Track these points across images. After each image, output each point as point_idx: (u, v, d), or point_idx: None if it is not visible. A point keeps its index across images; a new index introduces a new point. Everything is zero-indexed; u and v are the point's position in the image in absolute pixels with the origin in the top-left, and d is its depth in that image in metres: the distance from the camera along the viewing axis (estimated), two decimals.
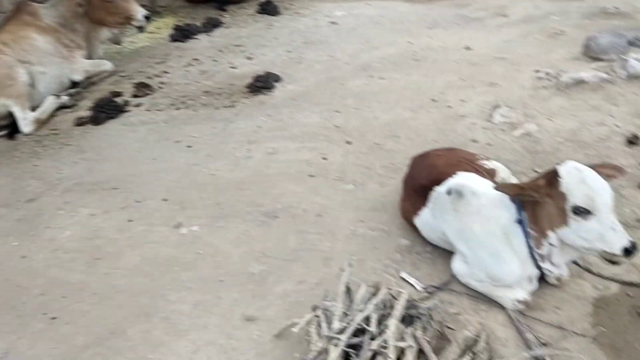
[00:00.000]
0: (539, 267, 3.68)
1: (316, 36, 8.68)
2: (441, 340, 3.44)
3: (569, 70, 6.43)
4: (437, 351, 3.32)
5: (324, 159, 5.61)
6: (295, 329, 3.26)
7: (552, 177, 3.38)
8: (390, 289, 3.44)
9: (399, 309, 3.15)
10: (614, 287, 3.83)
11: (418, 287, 3.97)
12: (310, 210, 4.87)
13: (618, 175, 3.50)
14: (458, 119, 6.12)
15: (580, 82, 6.16)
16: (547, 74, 6.47)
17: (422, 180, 4.20)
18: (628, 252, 3.22)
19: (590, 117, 5.75)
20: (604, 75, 6.14)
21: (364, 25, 8.95)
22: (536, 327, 3.60)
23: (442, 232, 3.92)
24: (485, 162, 4.37)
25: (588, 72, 6.30)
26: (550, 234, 3.48)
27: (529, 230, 3.56)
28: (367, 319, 3.10)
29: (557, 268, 3.70)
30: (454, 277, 3.97)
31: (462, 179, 3.88)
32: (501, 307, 3.74)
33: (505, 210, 3.62)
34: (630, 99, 5.92)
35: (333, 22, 9.17)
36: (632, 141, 5.22)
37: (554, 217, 3.41)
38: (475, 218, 3.68)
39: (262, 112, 6.66)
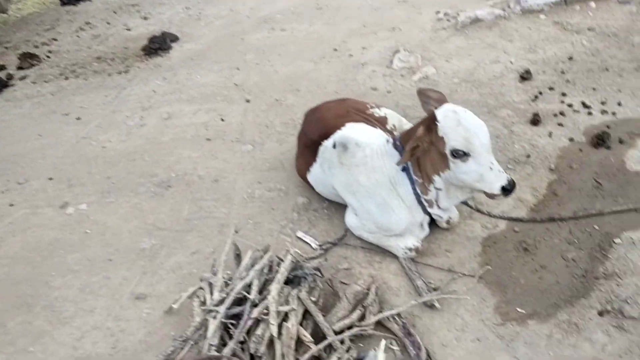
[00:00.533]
0: (427, 213, 3.68)
1: None
2: (333, 297, 3.41)
3: (467, 10, 6.38)
4: (328, 308, 3.30)
5: (222, 120, 5.42)
6: (175, 305, 3.14)
7: (430, 123, 3.33)
8: (277, 255, 3.34)
9: (282, 272, 3.08)
10: (502, 225, 3.89)
11: (314, 245, 3.92)
12: (207, 176, 4.71)
13: (438, 104, 3.44)
14: (359, 67, 6.01)
15: (476, 21, 6.14)
16: (447, 14, 6.41)
17: (312, 135, 4.09)
18: (506, 190, 3.24)
19: (485, 55, 5.76)
20: (500, 12, 6.13)
21: None
22: (427, 273, 3.62)
23: (332, 186, 3.85)
24: (376, 110, 4.30)
25: (484, 9, 6.28)
26: (435, 178, 3.46)
27: (415, 177, 3.53)
28: (249, 286, 3.00)
29: (446, 212, 3.72)
30: (349, 231, 3.93)
31: (347, 131, 3.79)
32: (394, 256, 3.73)
33: (389, 160, 3.57)
34: (524, 33, 5.95)
35: None
36: (524, 77, 5.26)
37: (437, 162, 3.38)
38: (361, 169, 3.62)
39: (158, 75, 6.35)
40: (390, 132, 4.18)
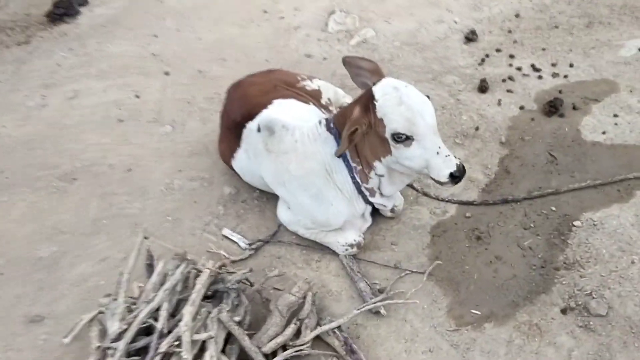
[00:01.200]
0: (369, 202, 3.23)
1: None
2: (265, 309, 2.95)
3: None
4: (259, 323, 2.84)
5: (137, 97, 4.76)
6: (66, 339, 2.61)
7: (367, 102, 2.85)
8: (195, 263, 2.83)
9: (198, 290, 2.58)
10: (452, 210, 3.49)
11: (242, 244, 3.42)
12: (118, 165, 4.10)
13: (373, 76, 2.96)
14: (291, 31, 5.43)
15: None
16: None
17: (234, 116, 3.54)
18: (455, 178, 2.83)
19: (428, 14, 5.28)
20: None
21: None
22: (372, 271, 3.20)
23: (260, 175, 3.34)
24: (308, 82, 3.78)
25: None
26: (375, 165, 3.00)
27: (353, 164, 3.06)
28: (158, 311, 2.49)
29: (389, 200, 3.29)
30: (282, 226, 3.45)
31: (274, 111, 3.26)
32: (335, 253, 3.29)
33: (323, 145, 3.07)
34: None
35: None
36: (469, 38, 4.83)
37: (377, 146, 2.92)
38: (291, 157, 3.12)
39: (64, 46, 5.57)
40: (325, 108, 3.67)
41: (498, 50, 4.69)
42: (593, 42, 4.65)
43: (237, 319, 2.65)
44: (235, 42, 5.37)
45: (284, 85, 3.67)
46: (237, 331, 2.58)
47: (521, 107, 4.12)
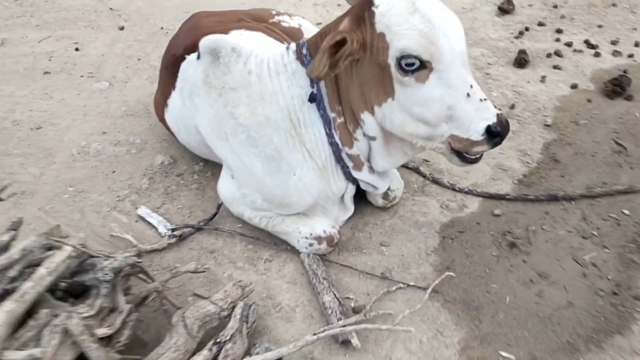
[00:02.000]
0: (352, 179, 2.13)
1: None
2: (168, 320, 1.83)
3: None
4: (153, 344, 1.72)
5: (77, 50, 3.77)
6: None
7: (361, 10, 1.80)
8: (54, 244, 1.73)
9: (37, 279, 1.48)
10: (474, 204, 2.38)
11: (162, 229, 2.32)
12: (25, 121, 3.06)
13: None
14: None
15: None
16: None
17: (175, 49, 2.50)
18: (494, 135, 1.76)
19: None
20: None
21: None
22: (346, 281, 2.08)
23: (195, 128, 2.26)
24: (286, 18, 2.75)
25: None
26: (366, 117, 1.93)
27: (331, 114, 1.98)
28: None
29: (382, 179, 2.19)
30: (224, 207, 2.35)
31: (226, 35, 2.20)
32: (294, 251, 2.18)
33: (289, 81, 2.02)
34: None
35: None
36: (503, 9, 3.80)
37: (371, 83, 1.86)
38: (239, 96, 2.05)
39: None
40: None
41: (541, 24, 3.66)
42: None
43: (102, 331, 1.53)
44: (213, 2, 4.38)
45: (250, 18, 2.64)
46: (94, 352, 1.45)
47: (573, 86, 3.05)
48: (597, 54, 3.30)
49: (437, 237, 2.24)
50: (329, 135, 2.02)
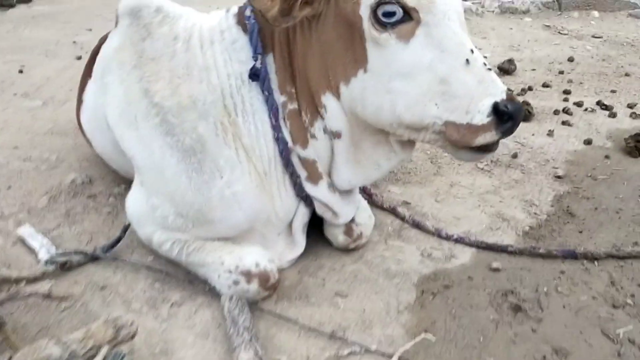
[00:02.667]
0: (305, 196, 1.56)
1: None
2: None
3: None
4: None
5: (20, 72, 3.37)
6: None
7: None
8: None
9: None
10: (465, 254, 1.79)
11: (43, 254, 1.71)
12: None
13: None
14: None
15: None
16: None
17: (101, 41, 2.01)
18: (504, 115, 1.25)
19: None
20: (469, 5, 4.39)
21: None
22: (281, 338, 1.46)
23: (105, 120, 1.70)
24: None
25: None
26: (328, 101, 1.44)
27: (281, 97, 1.48)
28: None
29: (346, 202, 1.63)
30: (133, 233, 1.75)
31: None
32: (213, 295, 1.56)
33: (227, 54, 1.52)
34: (503, 32, 4.21)
35: None
36: (505, 69, 3.43)
37: (335, 49, 1.38)
38: (160, 68, 1.55)
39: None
40: None
41: (546, 86, 3.25)
42: None
43: None
44: None
45: None
46: None
47: (587, 142, 2.57)
48: (612, 115, 2.86)
49: (414, 290, 1.63)
50: (275, 128, 1.48)
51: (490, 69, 1.30)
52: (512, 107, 1.24)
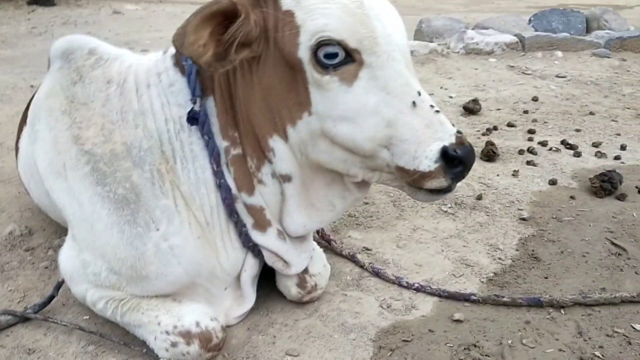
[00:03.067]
0: (252, 246, 1.46)
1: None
2: None
3: None
4: None
5: None
6: None
7: None
8: None
9: None
10: (426, 304, 1.69)
11: None
12: None
13: None
14: None
15: None
16: None
17: None
18: (453, 161, 1.20)
19: None
20: (435, 46, 4.42)
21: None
22: None
23: (38, 171, 1.59)
24: None
25: (415, 41, 4.58)
26: (276, 143, 1.36)
27: (223, 142, 1.40)
28: None
29: (299, 250, 1.53)
30: (68, 290, 1.61)
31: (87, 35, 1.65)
32: (152, 358, 1.42)
33: (164, 97, 1.44)
34: (468, 72, 4.22)
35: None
36: (469, 108, 3.40)
37: (278, 91, 1.31)
38: (92, 114, 1.46)
39: None
40: None
41: (511, 125, 3.23)
42: None
43: None
44: None
45: None
46: None
47: (552, 182, 2.52)
48: (577, 154, 2.82)
49: (371, 347, 1.52)
50: (217, 175, 1.38)
51: (438, 111, 1.23)
52: (461, 151, 1.19)
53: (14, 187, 2.38)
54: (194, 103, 1.37)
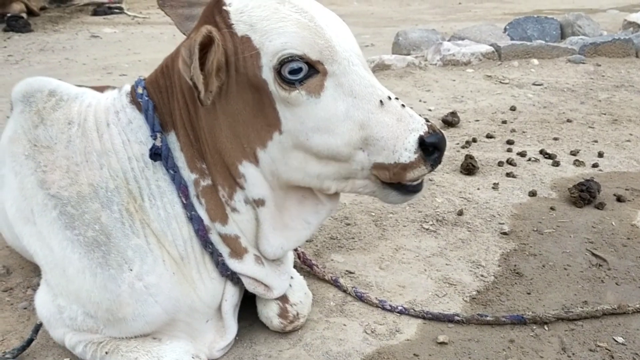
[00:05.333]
0: (230, 274, 1.46)
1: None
2: None
3: (370, 55, 4.70)
4: None
5: None
6: None
7: (211, 16, 1.32)
8: None
9: None
10: (411, 327, 1.69)
11: None
12: None
13: None
14: None
15: (382, 67, 4.42)
16: None
17: None
18: (430, 148, 1.28)
19: None
20: (413, 60, 4.45)
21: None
22: None
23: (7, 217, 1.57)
24: None
25: (392, 55, 4.61)
26: (247, 169, 1.37)
27: (191, 174, 1.40)
28: None
29: (278, 272, 1.54)
30: (46, 333, 1.59)
31: (47, 77, 1.64)
32: None
33: (125, 134, 1.43)
34: (447, 84, 4.25)
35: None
36: (448, 121, 3.43)
37: (244, 116, 1.33)
38: (56, 157, 1.45)
39: None
40: None
41: (490, 137, 3.25)
42: (626, 136, 3.24)
43: None
44: None
45: None
46: None
47: (532, 194, 2.54)
48: (555, 163, 2.85)
49: None
50: (187, 207, 1.38)
51: (404, 105, 1.30)
52: (436, 138, 1.26)
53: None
54: (155, 139, 1.37)
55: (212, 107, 1.32)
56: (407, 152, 1.26)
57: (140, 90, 1.41)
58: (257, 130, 1.31)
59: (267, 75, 1.25)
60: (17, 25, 7.64)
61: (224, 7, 1.27)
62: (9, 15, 7.81)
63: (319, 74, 1.25)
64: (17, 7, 8.19)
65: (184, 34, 1.51)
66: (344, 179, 1.36)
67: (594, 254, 2.06)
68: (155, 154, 1.35)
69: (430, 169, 1.30)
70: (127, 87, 1.47)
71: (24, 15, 8.12)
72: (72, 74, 5.14)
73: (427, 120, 1.31)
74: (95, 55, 6.01)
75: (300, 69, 1.23)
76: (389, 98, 1.30)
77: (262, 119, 1.30)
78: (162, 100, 1.40)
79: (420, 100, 3.93)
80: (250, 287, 1.52)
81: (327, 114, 1.26)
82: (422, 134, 1.26)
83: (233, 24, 1.26)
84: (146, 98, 1.39)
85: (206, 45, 1.21)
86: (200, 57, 1.20)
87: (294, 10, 1.25)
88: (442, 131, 1.33)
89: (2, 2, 8.00)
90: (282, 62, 1.23)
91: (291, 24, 1.23)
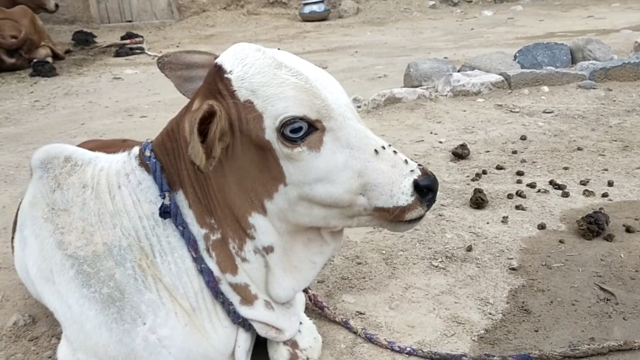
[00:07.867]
0: (242, 321, 1.54)
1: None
2: None
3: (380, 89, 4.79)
4: None
5: None
6: None
7: (212, 83, 1.42)
8: None
9: None
10: None
11: None
12: None
13: None
14: None
15: (393, 101, 4.50)
16: (355, 99, 4.75)
17: None
18: (424, 190, 1.40)
19: (405, 135, 4.02)
20: (423, 92, 4.53)
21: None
22: None
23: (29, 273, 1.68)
24: None
25: (402, 88, 4.69)
26: (256, 220, 1.47)
27: (201, 229, 1.50)
28: None
29: (288, 315, 1.61)
30: None
31: (64, 144, 1.77)
32: None
33: (135, 195, 1.54)
34: (457, 115, 4.31)
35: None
36: (458, 154, 3.47)
37: (251, 173, 1.44)
38: (73, 219, 1.56)
39: None
40: None
41: (500, 168, 3.29)
42: (637, 163, 3.25)
43: None
44: None
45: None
46: None
47: (541, 227, 2.57)
48: (565, 194, 2.87)
49: None
50: (197, 261, 1.46)
51: (396, 151, 1.41)
52: (429, 181, 1.39)
53: (16, 273, 2.45)
54: (164, 198, 1.46)
55: (220, 166, 1.42)
56: (405, 195, 1.37)
57: (147, 153, 1.51)
58: (263, 184, 1.41)
59: (270, 135, 1.36)
60: (44, 70, 7.91)
61: (226, 75, 1.38)
62: (35, 60, 8.11)
63: (318, 131, 1.36)
64: (43, 52, 8.52)
65: (184, 94, 1.62)
66: (349, 218, 1.46)
67: (602, 288, 2.08)
68: (165, 212, 1.45)
69: (427, 209, 1.42)
70: (136, 151, 1.58)
71: (50, 59, 8.43)
72: (95, 117, 5.33)
73: (419, 165, 1.42)
74: (117, 97, 6.22)
75: (300, 128, 1.34)
76: (383, 147, 1.41)
77: (267, 173, 1.40)
78: (170, 162, 1.49)
79: (431, 133, 3.99)
80: (262, 331, 1.59)
81: (327, 165, 1.36)
82: (416, 177, 1.38)
83: (235, 91, 1.36)
84: (154, 160, 1.49)
85: (207, 118, 1.31)
86: (203, 128, 1.29)
87: (291, 74, 1.35)
88: (434, 174, 1.44)
89: (29, 48, 8.32)
90: (285, 124, 1.34)
91: (290, 88, 1.34)
